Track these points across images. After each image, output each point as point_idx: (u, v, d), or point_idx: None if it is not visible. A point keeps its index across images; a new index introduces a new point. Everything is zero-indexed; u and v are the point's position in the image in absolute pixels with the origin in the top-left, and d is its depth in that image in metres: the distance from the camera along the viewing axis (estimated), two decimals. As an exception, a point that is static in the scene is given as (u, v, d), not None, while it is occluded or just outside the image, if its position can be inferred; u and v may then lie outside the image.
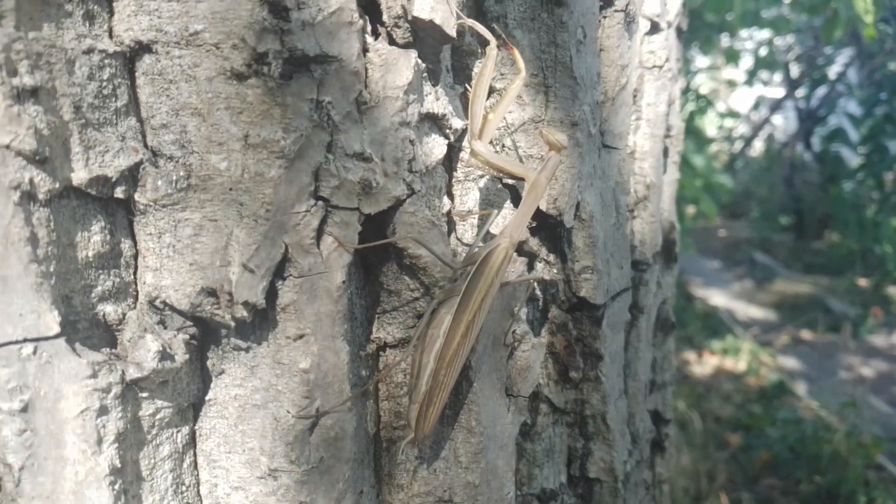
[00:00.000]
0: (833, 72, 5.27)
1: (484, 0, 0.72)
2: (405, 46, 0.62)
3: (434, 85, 0.66)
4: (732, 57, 4.37)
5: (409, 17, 0.61)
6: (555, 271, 0.82)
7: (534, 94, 0.75)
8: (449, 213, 0.71)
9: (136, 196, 0.57)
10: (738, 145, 6.95)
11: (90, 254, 0.55)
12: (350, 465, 0.63)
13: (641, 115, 0.97)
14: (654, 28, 0.96)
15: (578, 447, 0.87)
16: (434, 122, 0.67)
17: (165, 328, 0.59)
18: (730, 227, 6.90)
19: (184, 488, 0.61)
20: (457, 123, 0.69)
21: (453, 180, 0.73)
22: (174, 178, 0.56)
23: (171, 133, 0.56)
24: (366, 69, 0.60)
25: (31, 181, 0.50)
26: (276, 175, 0.57)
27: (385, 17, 0.62)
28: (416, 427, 0.64)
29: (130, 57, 0.56)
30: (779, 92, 6.35)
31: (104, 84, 0.54)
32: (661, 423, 1.12)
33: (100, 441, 0.53)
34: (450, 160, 0.72)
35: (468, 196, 0.74)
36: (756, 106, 6.08)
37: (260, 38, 0.54)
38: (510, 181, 0.76)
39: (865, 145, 4.38)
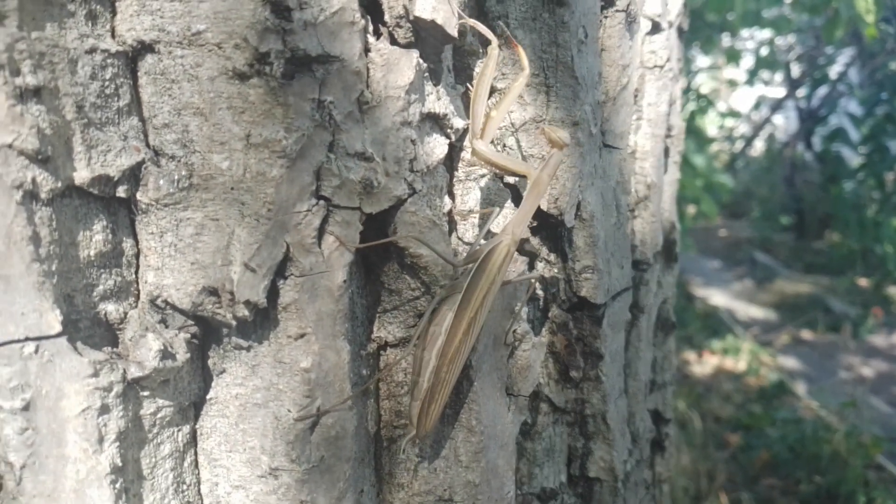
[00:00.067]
0: (834, 71, 5.27)
1: (485, 0, 0.72)
2: (407, 46, 0.63)
3: (435, 85, 0.67)
4: (733, 57, 4.37)
5: (411, 17, 0.61)
6: (555, 271, 0.82)
7: (535, 94, 0.75)
8: (450, 213, 0.72)
9: (138, 195, 0.57)
10: (739, 145, 6.95)
11: (92, 253, 0.55)
12: (351, 464, 0.63)
13: (642, 115, 0.97)
14: (656, 28, 0.96)
15: (578, 446, 0.87)
16: (435, 121, 0.67)
17: (167, 327, 0.59)
18: (730, 227, 6.90)
19: (184, 487, 0.62)
20: (458, 123, 0.69)
21: (454, 180, 0.73)
22: (176, 177, 0.57)
23: (173, 132, 0.56)
24: (367, 69, 0.60)
25: (33, 180, 0.50)
26: (278, 174, 0.57)
27: (387, 17, 0.62)
28: (418, 424, 0.65)
29: (133, 57, 0.56)
30: (780, 92, 6.35)
31: (106, 84, 0.54)
32: (662, 422, 1.13)
33: (101, 440, 0.54)
34: (451, 160, 0.73)
35: (469, 195, 0.74)
36: (757, 106, 6.08)
37: (262, 37, 0.54)
38: (511, 180, 0.77)
39: (866, 145, 4.38)
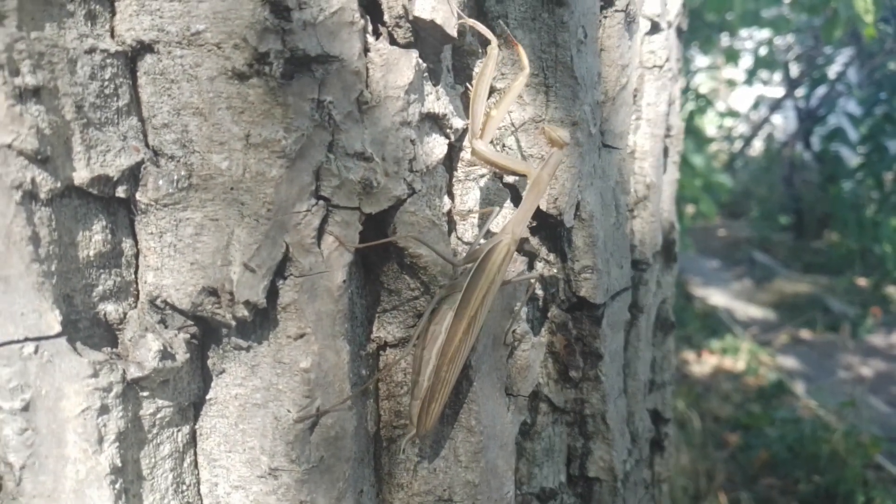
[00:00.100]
0: (833, 71, 5.27)
1: (485, 0, 0.72)
2: (406, 46, 0.63)
3: (435, 85, 0.67)
4: (732, 56, 4.37)
5: (411, 17, 0.61)
6: (555, 271, 0.82)
7: (534, 94, 0.75)
8: (449, 213, 0.72)
9: (138, 195, 0.57)
10: (738, 145, 6.96)
11: (91, 253, 0.55)
12: (350, 465, 0.63)
13: (641, 115, 0.97)
14: (655, 28, 0.96)
15: (578, 446, 0.87)
16: (435, 121, 0.67)
17: (166, 327, 0.59)
18: (729, 227, 6.91)
19: (184, 487, 0.62)
20: (457, 123, 0.69)
21: (454, 180, 0.73)
22: (175, 177, 0.57)
23: (173, 132, 0.56)
24: (367, 69, 0.60)
25: (32, 181, 0.50)
26: (278, 174, 0.57)
27: (386, 17, 0.62)
28: (418, 423, 0.65)
29: (132, 56, 0.56)
30: (778, 91, 6.35)
31: (106, 83, 0.54)
32: (661, 422, 1.13)
33: (101, 440, 0.54)
34: (450, 160, 0.73)
35: (469, 195, 0.74)
36: (756, 105, 6.08)
37: (261, 37, 0.54)
38: (511, 180, 0.77)
39: (865, 145, 4.38)
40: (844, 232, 4.84)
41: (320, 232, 0.60)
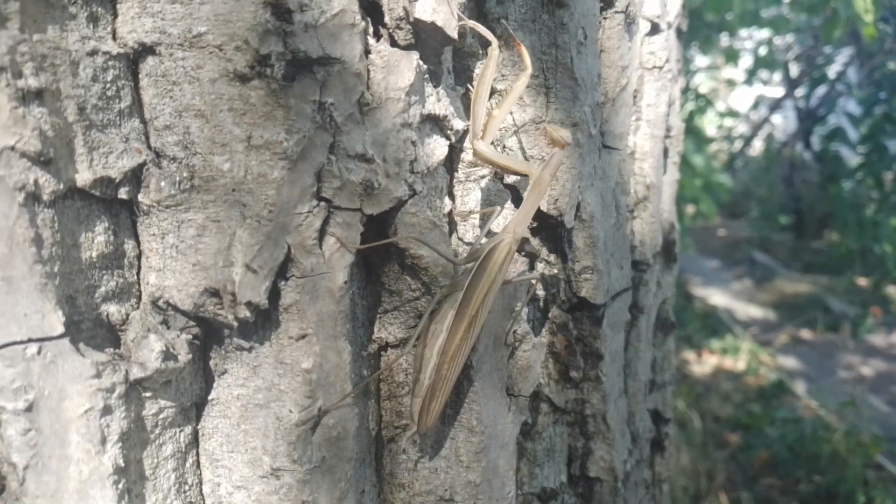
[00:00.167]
0: (832, 71, 5.27)
1: (485, 1, 0.72)
2: (407, 48, 0.63)
3: (435, 86, 0.67)
4: (732, 56, 4.37)
5: (411, 19, 0.61)
6: (555, 271, 0.82)
7: (535, 95, 0.75)
8: (450, 214, 0.72)
9: (140, 197, 0.57)
10: (738, 145, 6.96)
11: (94, 254, 0.56)
12: (352, 465, 0.64)
13: (641, 116, 0.97)
14: (655, 29, 0.96)
15: (579, 446, 0.87)
16: (435, 123, 0.67)
17: (169, 328, 0.59)
18: (729, 227, 6.91)
19: (186, 487, 0.62)
20: (458, 124, 0.69)
21: (454, 181, 0.74)
22: (177, 179, 0.57)
23: (175, 134, 0.57)
24: (368, 71, 0.60)
25: (35, 182, 0.50)
26: (279, 176, 0.57)
27: (387, 19, 0.62)
28: (419, 421, 0.65)
29: (134, 59, 0.56)
30: (778, 91, 6.35)
31: (108, 86, 0.54)
32: (661, 422, 1.13)
33: (103, 440, 0.54)
34: (451, 161, 0.73)
35: (469, 196, 0.74)
36: (755, 105, 6.08)
37: (263, 39, 0.54)
38: (511, 180, 0.77)
39: (865, 145, 4.38)
40: (844, 232, 4.84)
41: (322, 233, 0.60)
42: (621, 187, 0.91)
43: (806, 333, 4.02)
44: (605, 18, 0.82)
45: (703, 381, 3.29)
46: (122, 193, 0.56)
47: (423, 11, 0.61)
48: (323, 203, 0.60)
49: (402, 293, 0.67)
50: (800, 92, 5.73)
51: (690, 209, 3.64)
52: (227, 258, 0.58)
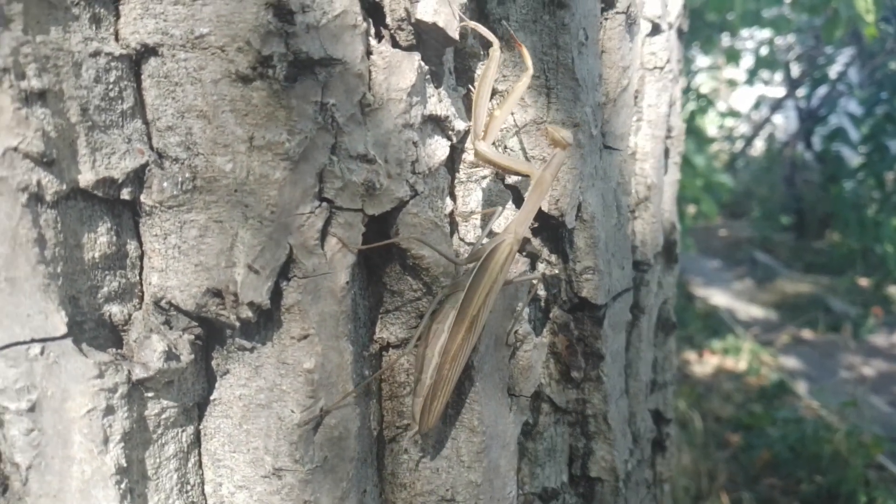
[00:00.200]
0: (834, 71, 5.27)
1: (486, 2, 0.73)
2: (408, 49, 0.63)
3: (437, 87, 0.67)
4: (733, 56, 4.37)
5: (413, 20, 0.61)
6: (556, 272, 0.82)
7: (536, 96, 0.75)
8: (452, 214, 0.72)
9: (142, 197, 0.57)
10: (739, 145, 6.96)
11: (96, 255, 0.56)
12: (354, 465, 0.64)
13: (642, 117, 0.97)
14: (656, 29, 0.96)
15: (580, 446, 0.87)
16: (437, 123, 0.67)
17: (171, 328, 0.59)
18: (730, 227, 6.91)
19: (188, 487, 0.62)
20: (459, 125, 0.69)
21: (456, 181, 0.74)
22: (180, 179, 0.57)
23: (177, 135, 0.57)
24: (369, 71, 0.60)
25: (38, 183, 0.50)
26: (281, 177, 0.57)
27: (388, 20, 0.62)
28: (420, 421, 0.65)
29: (136, 60, 0.56)
30: (779, 91, 6.35)
31: (110, 86, 0.55)
32: (662, 422, 1.13)
33: (106, 440, 0.54)
34: (452, 161, 0.73)
35: (470, 197, 0.75)
36: (757, 105, 6.08)
37: (265, 41, 0.55)
38: (513, 181, 0.77)
39: (866, 145, 4.38)
40: (846, 232, 4.83)
41: (323, 233, 0.60)
42: (622, 188, 0.91)
43: (807, 333, 4.02)
44: (606, 19, 0.82)
45: (705, 381, 3.29)
46: (125, 194, 0.57)
47: (424, 12, 0.61)
48: (325, 203, 0.60)
49: (403, 293, 0.67)
50: (801, 92, 5.73)
51: (692, 209, 3.64)
52: (229, 259, 0.58)
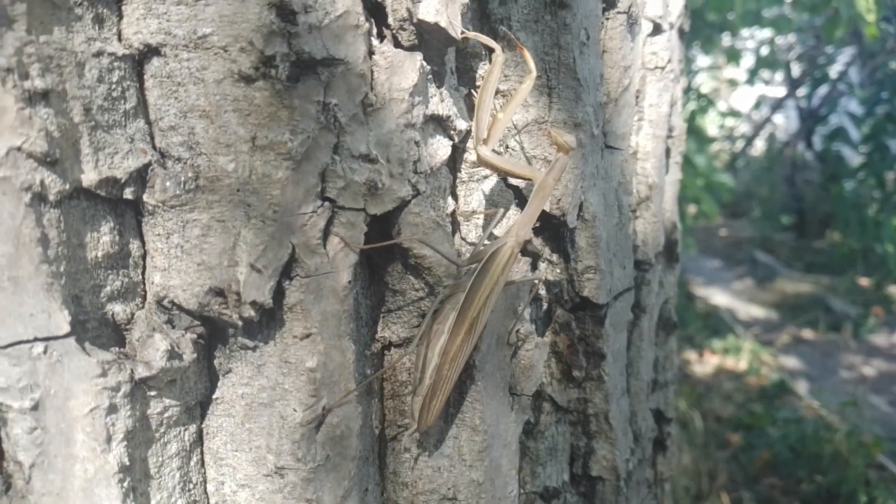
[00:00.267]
0: (834, 71, 5.28)
1: (488, 2, 0.73)
2: (410, 49, 0.63)
3: (439, 87, 0.67)
4: (734, 56, 4.38)
5: (415, 20, 0.62)
6: (558, 271, 0.82)
7: (537, 96, 0.76)
8: (453, 214, 0.72)
9: (145, 197, 0.58)
10: (740, 144, 6.96)
11: (99, 254, 0.56)
12: (356, 463, 0.64)
13: (644, 116, 0.97)
14: (657, 29, 0.96)
15: (581, 445, 0.87)
16: (439, 123, 0.68)
17: (173, 327, 0.59)
18: (731, 227, 6.91)
19: (191, 486, 0.62)
20: (461, 125, 0.70)
21: (457, 181, 0.74)
22: (182, 179, 0.57)
23: (180, 135, 0.57)
24: (372, 71, 0.60)
25: (41, 182, 0.50)
26: (284, 176, 0.57)
27: (390, 20, 0.63)
28: (419, 419, 0.65)
29: (139, 60, 0.56)
30: (780, 91, 6.35)
31: (113, 86, 0.55)
32: (663, 421, 1.13)
33: (109, 439, 0.54)
34: (454, 161, 0.73)
35: (472, 197, 0.75)
36: (757, 105, 6.09)
37: (267, 41, 0.55)
38: (515, 181, 0.77)
39: (867, 144, 4.39)
40: (846, 231, 4.84)
41: (326, 233, 0.60)
42: (624, 187, 0.91)
43: (807, 333, 4.02)
44: (607, 19, 0.82)
45: (705, 381, 3.29)
46: (128, 193, 0.57)
47: (426, 12, 0.61)
48: (327, 203, 0.60)
49: (405, 293, 0.67)
50: (801, 92, 5.73)
51: (692, 209, 3.64)
52: (231, 258, 0.58)
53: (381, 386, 0.70)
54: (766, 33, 4.80)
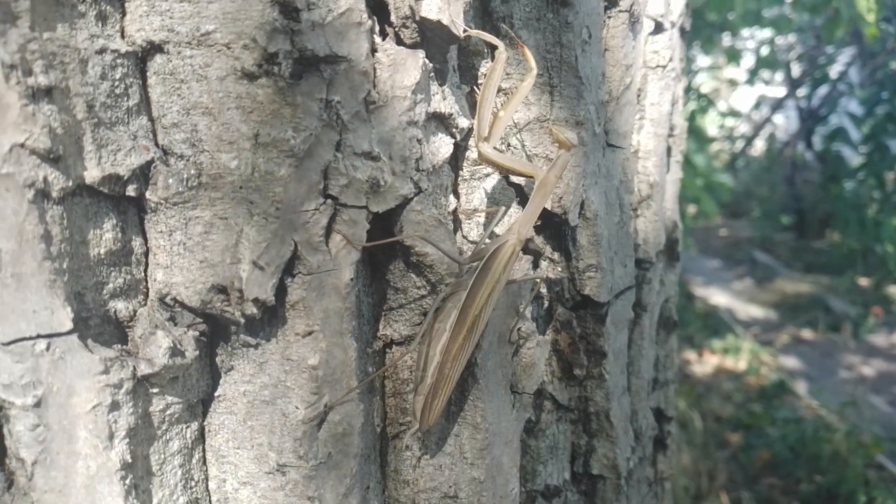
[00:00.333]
0: (834, 71, 5.28)
1: (490, 0, 0.73)
2: (413, 47, 0.63)
3: (441, 84, 0.67)
4: (734, 56, 4.38)
5: (417, 18, 0.62)
6: (559, 269, 0.82)
7: (539, 94, 0.76)
8: (455, 212, 0.72)
9: (148, 194, 0.58)
10: (740, 144, 6.97)
11: (102, 251, 0.56)
12: (357, 461, 0.64)
13: (645, 115, 0.97)
14: (658, 28, 0.96)
15: (582, 444, 0.87)
16: (441, 121, 0.68)
17: (176, 325, 0.59)
18: (731, 227, 6.91)
19: (193, 483, 0.62)
20: (463, 123, 0.70)
21: (459, 179, 0.74)
22: (185, 176, 0.57)
23: (182, 132, 0.57)
24: (374, 69, 0.60)
25: (44, 179, 0.50)
26: (286, 173, 0.57)
27: (393, 18, 0.63)
28: (421, 418, 0.65)
29: (142, 57, 0.56)
30: (780, 91, 6.36)
31: (116, 83, 0.55)
32: (664, 420, 1.13)
33: (111, 436, 0.54)
34: (456, 159, 0.73)
35: (474, 194, 0.75)
36: (757, 105, 6.09)
37: (270, 38, 0.55)
38: (516, 179, 0.77)
39: (866, 144, 4.39)
40: (846, 232, 4.84)
41: (328, 230, 0.60)
42: (625, 186, 0.91)
43: (807, 333, 4.02)
44: (609, 17, 0.82)
45: (705, 380, 3.29)
46: (130, 191, 0.57)
47: (428, 10, 0.61)
48: (329, 200, 0.60)
49: (407, 291, 0.68)
50: (801, 92, 5.73)
51: (692, 209, 3.64)
52: (234, 255, 0.58)
53: (382, 384, 0.70)
54: (767, 33, 4.80)
